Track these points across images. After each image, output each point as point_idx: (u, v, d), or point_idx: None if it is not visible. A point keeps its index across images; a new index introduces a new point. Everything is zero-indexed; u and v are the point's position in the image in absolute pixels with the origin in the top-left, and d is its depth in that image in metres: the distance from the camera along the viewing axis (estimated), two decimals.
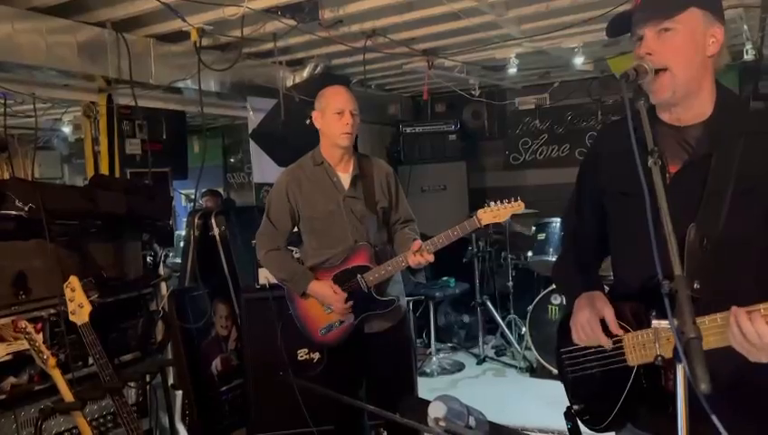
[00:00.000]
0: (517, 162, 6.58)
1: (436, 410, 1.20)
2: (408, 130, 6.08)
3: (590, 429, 1.68)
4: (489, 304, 5.47)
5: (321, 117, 2.75)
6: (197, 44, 3.40)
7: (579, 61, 4.42)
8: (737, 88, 5.35)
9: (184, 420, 3.38)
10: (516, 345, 5.23)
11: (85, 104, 3.65)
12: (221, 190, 7.86)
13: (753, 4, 3.39)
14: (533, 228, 5.13)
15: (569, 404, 1.74)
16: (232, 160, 8.34)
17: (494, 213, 2.59)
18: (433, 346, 5.32)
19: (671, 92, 1.44)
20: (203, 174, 3.65)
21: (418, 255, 2.60)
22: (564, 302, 4.06)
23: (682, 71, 1.43)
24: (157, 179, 3.92)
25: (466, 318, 5.80)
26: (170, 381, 3.20)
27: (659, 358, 1.36)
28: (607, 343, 1.52)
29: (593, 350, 1.61)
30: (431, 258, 2.62)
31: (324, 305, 2.78)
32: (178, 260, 4.79)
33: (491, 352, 5.45)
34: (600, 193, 1.67)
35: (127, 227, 3.03)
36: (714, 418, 1.04)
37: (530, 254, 5.17)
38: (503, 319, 5.43)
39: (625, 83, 1.38)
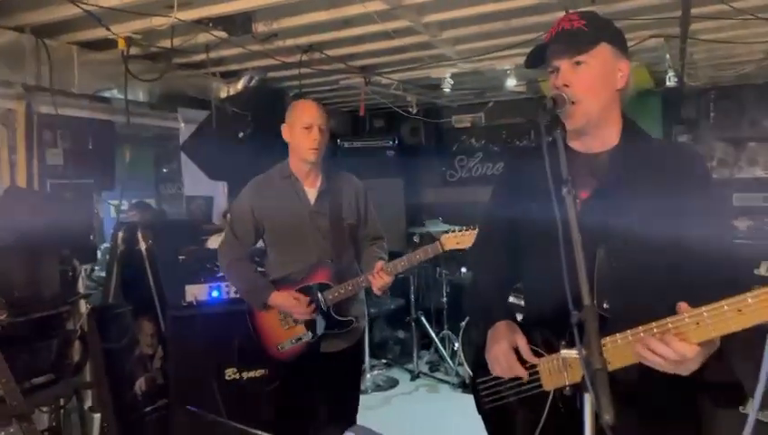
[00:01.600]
0: (453, 179, 6.66)
1: None
2: (347, 144, 6.07)
3: None
4: (423, 319, 5.49)
5: (289, 131, 2.73)
6: (125, 53, 3.29)
7: (511, 82, 4.52)
8: (660, 113, 5.60)
9: None
10: (449, 361, 5.26)
11: (2, 112, 3.46)
12: (153, 201, 7.62)
13: (673, 34, 3.54)
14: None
15: None
16: (165, 171, 8.09)
17: (457, 239, 2.63)
18: (367, 362, 5.28)
19: (585, 121, 1.50)
20: (134, 185, 3.54)
21: (377, 276, 2.60)
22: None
23: (594, 102, 1.49)
24: (79, 192, 3.75)
25: (401, 334, 5.81)
26: (88, 403, 3.05)
27: (568, 388, 1.39)
28: (524, 374, 1.54)
29: (510, 378, 1.63)
30: (389, 280, 2.63)
31: (283, 321, 2.76)
32: (103, 274, 4.60)
33: (425, 368, 5.46)
34: (512, 221, 1.70)
35: (44, 243, 2.89)
36: None
37: (463, 270, 5.22)
38: (436, 334, 5.45)
39: (542, 112, 1.41)
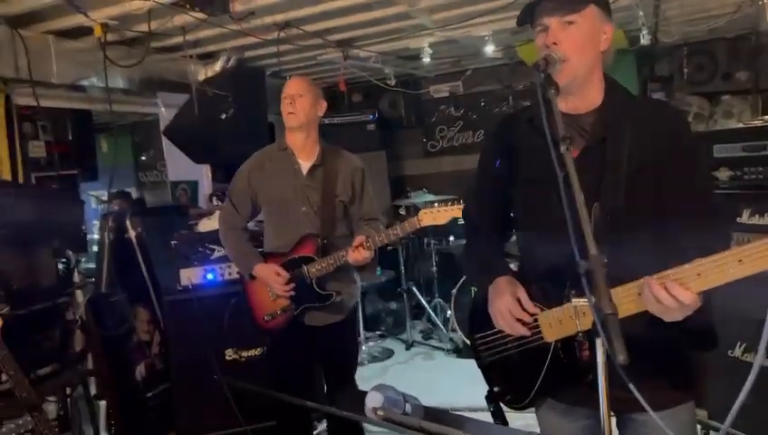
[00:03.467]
0: (435, 149, 6.70)
1: (373, 400, 1.23)
2: (326, 120, 6.03)
3: (513, 408, 1.75)
4: (414, 289, 5.56)
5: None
6: (102, 40, 3.25)
7: (489, 49, 4.54)
8: (635, 71, 5.67)
9: (109, 430, 3.26)
10: (442, 328, 5.36)
11: None
12: (133, 190, 7.57)
13: None
14: None
15: (489, 388, 1.81)
16: (143, 158, 8.02)
17: (434, 215, 2.66)
18: (362, 335, 5.36)
19: (571, 78, 1.53)
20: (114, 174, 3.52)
21: (356, 251, 2.63)
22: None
23: (581, 61, 1.52)
24: (65, 182, 3.72)
25: (393, 305, 5.89)
26: (93, 391, 3.08)
27: (580, 333, 1.45)
28: (527, 333, 1.60)
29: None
30: (368, 254, 2.65)
31: (271, 292, 2.82)
32: (92, 266, 4.58)
33: (418, 337, 5.56)
34: (505, 181, 1.74)
35: (36, 235, 2.88)
36: (631, 386, 1.12)
37: (451, 238, 5.28)
38: (428, 303, 5.54)
39: (538, 73, 1.44)
